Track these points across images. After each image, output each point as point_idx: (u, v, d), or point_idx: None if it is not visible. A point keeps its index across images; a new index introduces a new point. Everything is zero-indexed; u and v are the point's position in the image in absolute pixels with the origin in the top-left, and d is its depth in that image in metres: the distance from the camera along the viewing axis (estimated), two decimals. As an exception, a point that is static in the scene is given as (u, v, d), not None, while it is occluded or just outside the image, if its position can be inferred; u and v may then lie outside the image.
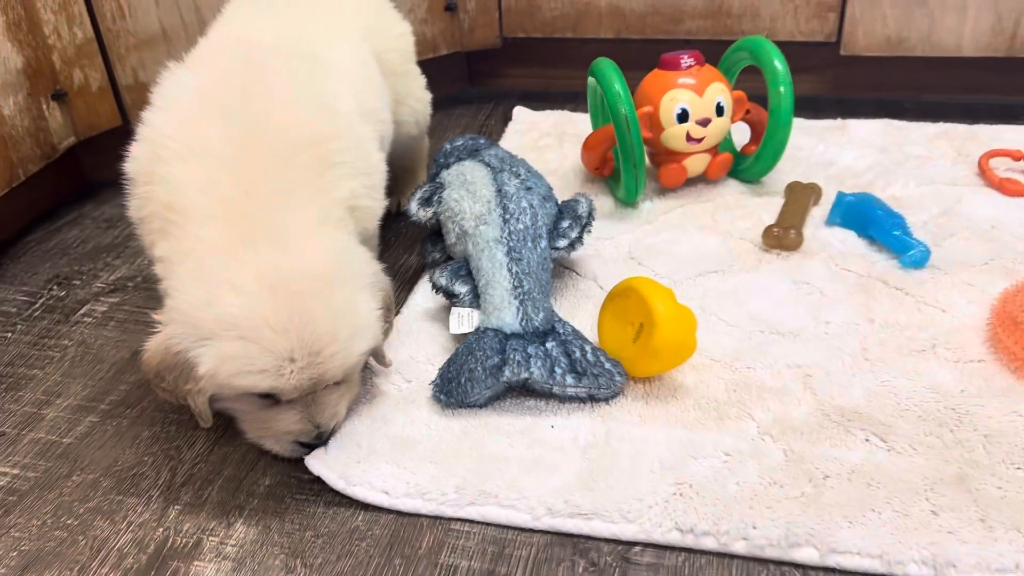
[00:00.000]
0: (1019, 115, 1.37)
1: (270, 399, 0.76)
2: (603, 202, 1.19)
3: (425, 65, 1.31)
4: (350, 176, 0.85)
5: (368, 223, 0.90)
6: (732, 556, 0.71)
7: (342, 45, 0.96)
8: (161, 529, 0.77)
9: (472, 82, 1.63)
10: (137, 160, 0.83)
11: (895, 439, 0.78)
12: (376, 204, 0.91)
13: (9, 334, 1.04)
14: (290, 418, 0.78)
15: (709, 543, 0.71)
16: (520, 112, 1.48)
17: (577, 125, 1.41)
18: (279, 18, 0.96)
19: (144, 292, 1.10)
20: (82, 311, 1.07)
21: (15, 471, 0.84)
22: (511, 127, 1.44)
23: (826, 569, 0.69)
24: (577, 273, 1.05)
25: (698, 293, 1.00)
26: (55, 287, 1.12)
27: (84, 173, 1.36)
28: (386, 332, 0.85)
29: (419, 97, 1.16)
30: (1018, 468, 0.75)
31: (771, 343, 0.91)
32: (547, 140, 1.38)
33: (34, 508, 0.80)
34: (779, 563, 0.70)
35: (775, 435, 0.80)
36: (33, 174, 1.18)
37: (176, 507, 0.79)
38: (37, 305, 1.09)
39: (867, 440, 0.79)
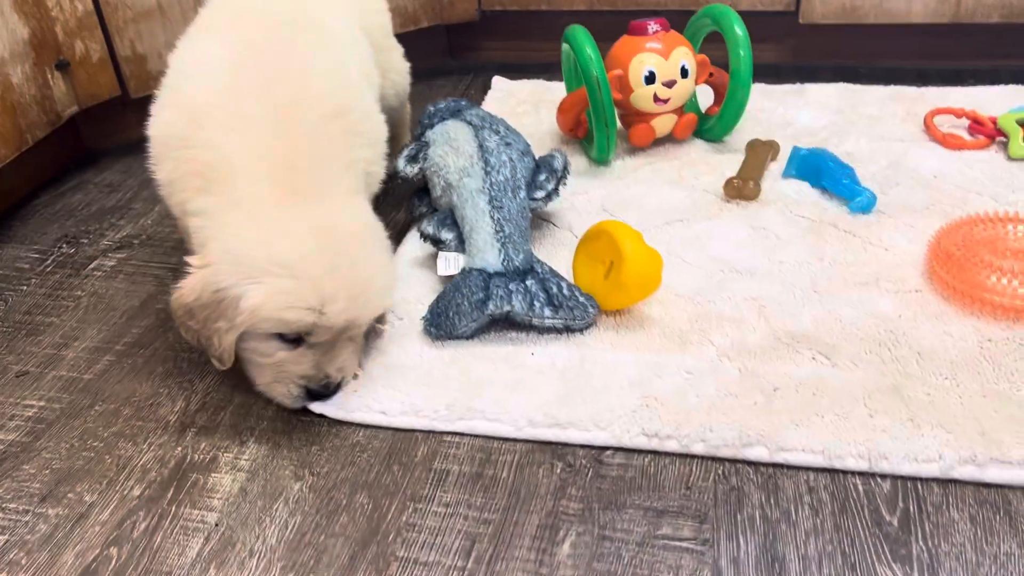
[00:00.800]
0: (966, 78, 1.46)
1: (294, 343, 0.82)
2: (577, 161, 1.28)
3: (407, 37, 1.39)
4: (367, 145, 0.94)
5: (375, 187, 0.99)
6: (692, 456, 0.80)
7: (339, 18, 1.04)
8: (180, 448, 0.85)
9: (452, 54, 1.70)
10: (172, 125, 0.88)
11: (839, 357, 0.88)
12: (382, 170, 1.00)
13: (24, 287, 1.11)
14: (307, 362, 0.83)
15: (672, 445, 0.80)
16: (498, 81, 1.56)
17: (553, 93, 1.50)
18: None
19: (149, 248, 1.17)
20: (92, 266, 1.14)
21: (41, 403, 0.92)
22: (490, 95, 1.52)
23: (775, 465, 0.78)
24: (554, 224, 1.14)
25: (664, 239, 1.09)
26: (64, 245, 1.19)
27: (84, 141, 1.43)
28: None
29: (399, 70, 1.24)
30: (945, 378, 0.84)
31: (730, 280, 1.00)
32: (524, 107, 1.46)
33: (62, 434, 0.87)
34: (733, 461, 0.79)
35: (731, 356, 0.89)
36: (39, 140, 1.25)
37: (192, 430, 0.87)
38: (49, 261, 1.16)
39: (813, 359, 0.88)
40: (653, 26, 1.23)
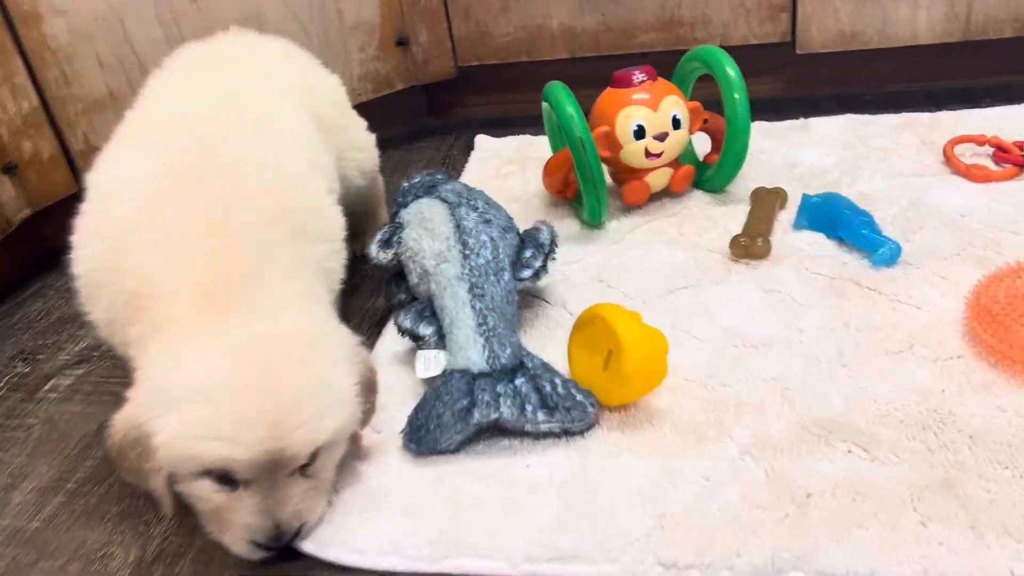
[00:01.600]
0: (980, 98, 1.36)
1: (228, 484, 0.72)
2: (569, 225, 1.18)
3: (383, 102, 1.30)
4: (318, 242, 0.84)
5: (335, 285, 0.88)
6: (719, 587, 0.69)
7: (282, 108, 0.94)
8: (132, 611, 0.74)
9: (433, 114, 1.62)
10: (97, 258, 0.79)
11: (877, 447, 0.76)
12: (340, 266, 0.90)
13: (-27, 417, 1.02)
14: (248, 509, 0.71)
15: (694, 576, 0.69)
16: (482, 140, 1.47)
17: (540, 149, 1.40)
18: (214, 87, 0.94)
19: (109, 361, 1.08)
20: (47, 387, 1.05)
21: (-19, 562, 0.82)
22: (473, 156, 1.43)
23: (816, 592, 0.67)
24: (546, 301, 1.03)
25: (668, 310, 0.98)
26: (19, 364, 1.10)
27: (44, 241, 1.34)
28: (367, 415, 0.81)
29: (361, 146, 1.13)
30: (1005, 467, 0.73)
31: (745, 357, 0.90)
32: (510, 167, 1.37)
33: (1, 601, 0.77)
34: (767, 590, 0.68)
35: (755, 454, 0.78)
36: (-10, 249, 1.16)
37: (147, 586, 0.77)
38: (2, 384, 1.07)
39: (849, 451, 0.77)
40: (639, 76, 1.13)
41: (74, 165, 1.25)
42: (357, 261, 1.14)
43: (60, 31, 1.18)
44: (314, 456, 0.73)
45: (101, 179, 0.84)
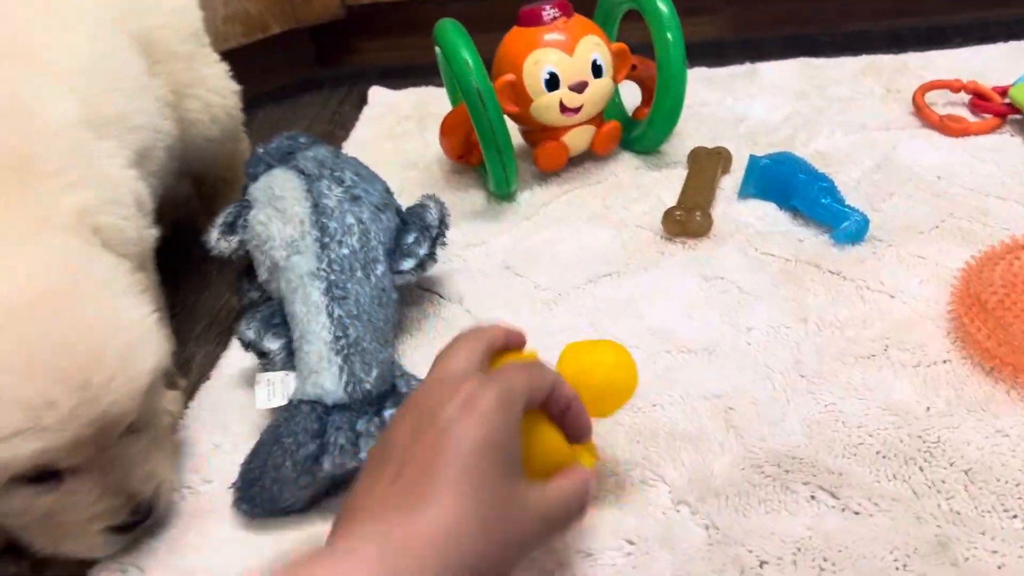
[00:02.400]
0: (950, 37, 1.18)
1: (49, 481, 0.55)
2: (474, 198, 0.97)
3: (261, 49, 1.07)
4: (73, 187, 0.62)
5: (122, 248, 0.66)
6: None
7: (70, 35, 0.72)
8: None
9: (321, 62, 1.38)
10: None
11: (849, 492, 0.58)
12: (124, 222, 0.67)
13: None
14: (88, 497, 0.56)
15: None
16: (376, 93, 1.25)
17: (443, 103, 1.18)
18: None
19: None
20: None
21: None
22: (366, 112, 1.21)
23: None
24: (439, 295, 0.83)
25: (587, 307, 0.79)
26: None
27: None
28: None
29: (214, 87, 0.90)
30: (1014, 516, 0.56)
31: (680, 366, 0.71)
32: (407, 125, 1.15)
33: None
34: None
35: (692, 503, 0.60)
36: None
37: None
38: None
39: (813, 496, 0.59)
40: (550, 11, 0.92)
41: None
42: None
43: None
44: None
45: None
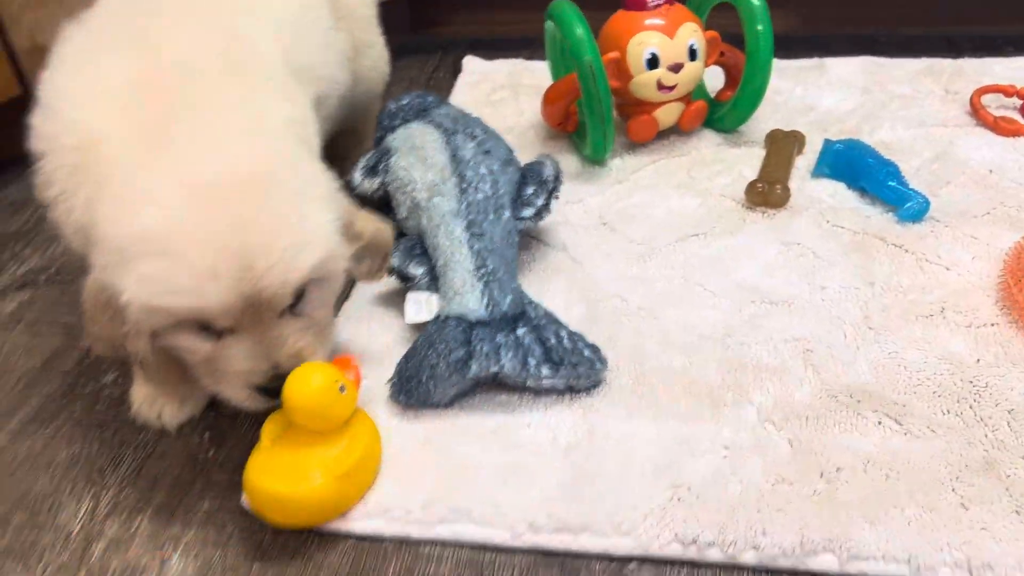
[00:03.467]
0: (1002, 47, 1.28)
1: (212, 332, 0.66)
2: (568, 161, 1.09)
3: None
4: (283, 101, 0.75)
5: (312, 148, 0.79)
6: (741, 568, 0.62)
7: None
8: (83, 571, 0.66)
9: (415, 30, 1.49)
10: (38, 129, 0.72)
11: (911, 420, 0.70)
12: (312, 135, 0.80)
13: (-100, 343, 0.91)
14: (239, 355, 0.66)
15: (715, 555, 0.63)
16: (470, 62, 1.36)
17: (534, 75, 1.29)
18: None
19: (58, 287, 0.97)
20: (-13, 312, 0.94)
21: (-91, 510, 0.72)
22: (461, 80, 1.32)
23: (848, 578, 0.61)
24: (544, 243, 0.95)
25: (679, 261, 0.90)
26: (-47, 283, 0.99)
27: (-17, 151, 1.21)
28: (371, 246, 0.75)
29: (380, 49, 1.05)
30: (1049, 447, 0.67)
31: (764, 315, 0.82)
32: (502, 93, 1.26)
33: (-68, 554, 0.68)
34: (794, 573, 0.62)
35: (777, 422, 0.71)
36: (-79, 155, 1.04)
37: (100, 543, 0.68)
38: (-68, 305, 0.96)
39: (880, 423, 0.71)
40: (654, -2, 1.03)
41: (18, 65, 1.12)
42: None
43: (3, -91, 1.04)
44: (301, 295, 0.67)
45: (55, 52, 0.75)
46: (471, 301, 0.76)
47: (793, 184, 0.99)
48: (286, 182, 0.67)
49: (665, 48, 1.02)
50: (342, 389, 0.67)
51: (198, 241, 0.61)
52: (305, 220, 0.66)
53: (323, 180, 0.72)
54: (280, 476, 0.65)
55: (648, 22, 1.03)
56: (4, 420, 0.80)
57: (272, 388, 0.67)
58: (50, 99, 0.72)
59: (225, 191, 0.63)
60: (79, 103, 0.70)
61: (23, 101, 1.12)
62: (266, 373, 0.67)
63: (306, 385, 0.65)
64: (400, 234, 0.90)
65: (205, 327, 0.65)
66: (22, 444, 0.78)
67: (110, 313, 0.65)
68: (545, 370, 0.73)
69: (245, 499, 0.68)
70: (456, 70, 1.36)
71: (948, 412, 0.71)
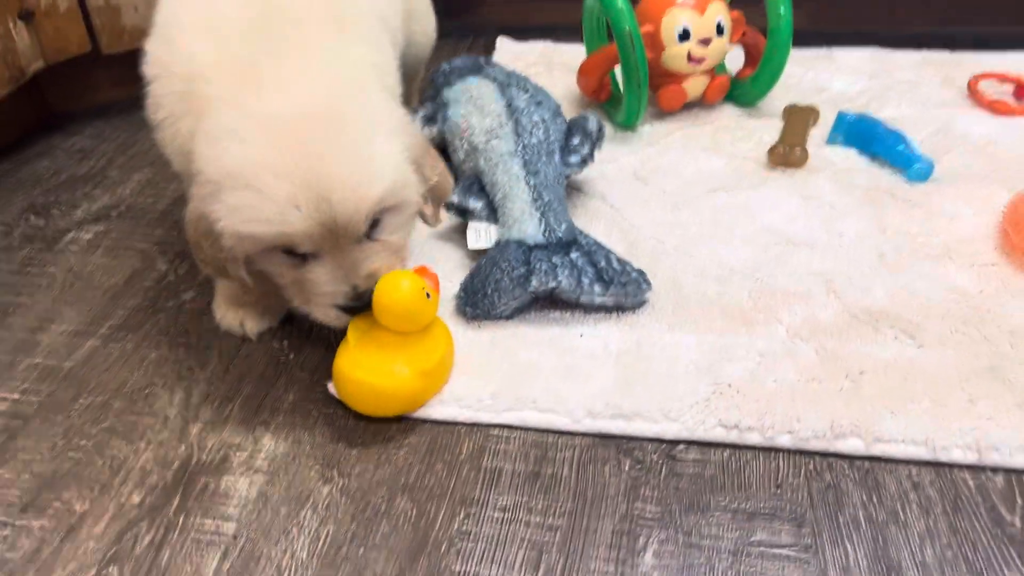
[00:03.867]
0: (995, 45, 1.39)
1: (297, 256, 0.72)
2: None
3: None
4: (369, 45, 0.83)
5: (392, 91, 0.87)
6: (778, 449, 0.71)
7: None
8: (183, 447, 0.73)
9: (449, 15, 1.58)
10: (152, 55, 0.79)
11: (924, 336, 0.79)
12: (395, 81, 0.88)
13: (-12, 263, 0.98)
14: (322, 277, 0.73)
15: (754, 438, 0.71)
16: (503, 43, 1.45)
17: (563, 55, 1.39)
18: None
19: (129, 220, 1.05)
20: (66, 239, 1.01)
21: (15, 396, 0.79)
22: (496, 57, 1.41)
23: (872, 458, 0.69)
24: (584, 192, 1.03)
25: (709, 208, 0.99)
26: (32, 216, 1.06)
27: (49, 102, 1.29)
28: (438, 190, 0.81)
29: (429, 16, 1.15)
30: (1044, 359, 0.76)
31: (789, 254, 0.91)
32: (536, 69, 1.35)
33: (42, 431, 0.75)
34: (825, 454, 0.70)
35: (805, 336, 0.80)
36: (0, 99, 1.11)
37: (196, 425, 0.75)
38: (15, 235, 1.03)
39: (896, 338, 0.79)
40: (687, -22, 1.13)
41: (90, 23, 1.19)
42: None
43: None
44: (376, 222, 0.74)
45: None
46: (530, 227, 0.85)
47: (810, 149, 1.08)
48: (358, 118, 0.73)
49: (696, 23, 1.11)
50: (427, 295, 0.74)
51: (278, 174, 0.68)
52: (374, 153, 0.72)
53: (397, 116, 0.78)
54: (371, 370, 0.73)
55: (681, 0, 1.12)
56: (94, 327, 0.87)
57: (353, 307, 0.74)
58: (166, 28, 0.79)
59: (302, 128, 0.70)
60: (191, 35, 0.77)
61: (94, 56, 1.21)
62: (347, 294, 0.73)
63: (397, 290, 0.72)
64: (454, 177, 0.99)
65: (291, 252, 0.72)
66: (114, 346, 0.85)
67: (210, 240, 0.72)
68: (597, 287, 0.82)
69: (333, 389, 0.76)
70: (489, 50, 1.45)
71: (955, 331, 0.80)
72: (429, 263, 0.91)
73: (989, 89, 1.22)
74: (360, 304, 0.74)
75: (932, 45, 1.39)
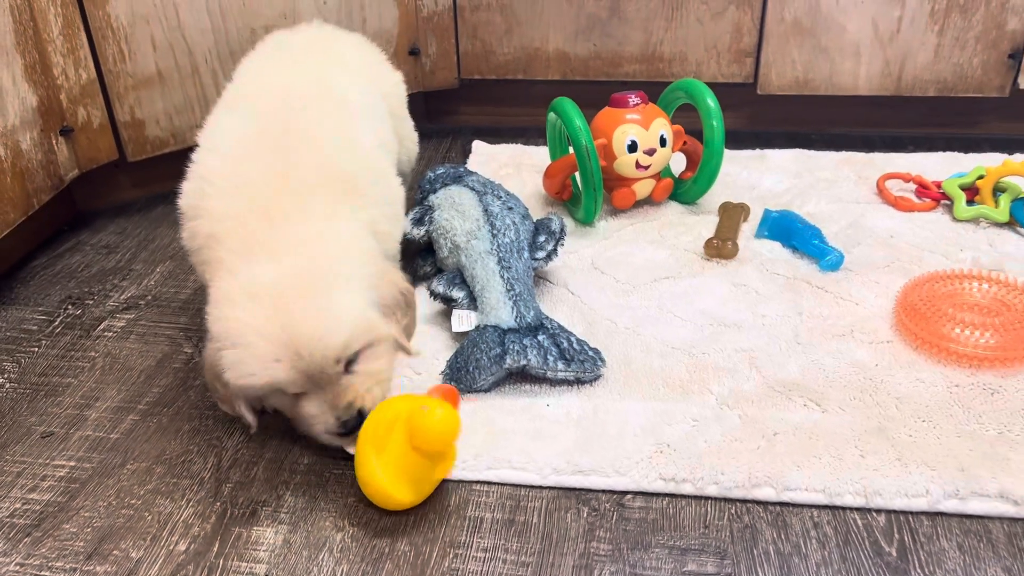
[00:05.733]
0: (906, 145, 1.61)
1: (291, 395, 0.87)
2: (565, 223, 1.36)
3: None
4: (373, 205, 0.99)
5: (389, 245, 1.04)
6: (707, 497, 0.87)
7: (358, 88, 1.11)
8: (218, 503, 0.88)
9: (430, 119, 1.78)
10: (187, 196, 0.96)
11: (827, 403, 0.97)
12: (395, 229, 1.06)
13: (35, 348, 1.13)
14: (313, 410, 0.87)
15: (688, 488, 0.87)
16: (479, 145, 1.65)
17: (532, 157, 1.58)
18: (302, 66, 1.10)
19: (156, 309, 1.20)
20: (101, 327, 1.17)
21: (71, 463, 0.94)
22: (472, 158, 1.60)
23: (782, 503, 0.86)
24: (550, 282, 1.21)
25: (655, 295, 1.17)
26: (70, 306, 1.22)
27: (76, 203, 1.45)
28: (407, 328, 0.96)
29: (412, 138, 1.34)
30: (923, 420, 0.94)
31: (720, 333, 1.09)
32: (507, 170, 1.55)
33: (97, 492, 0.90)
34: (744, 501, 0.87)
35: (731, 404, 0.97)
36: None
37: (228, 485, 0.90)
38: (56, 323, 1.18)
39: (805, 405, 0.97)
40: (634, 99, 1.33)
41: (118, 135, 1.37)
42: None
43: (122, 12, 1.31)
44: (352, 360, 0.87)
45: (205, 135, 1.00)
46: (504, 314, 1.02)
47: (740, 242, 1.28)
48: (330, 280, 0.86)
49: (642, 136, 1.31)
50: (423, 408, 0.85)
51: (261, 335, 0.83)
52: (337, 309, 0.85)
53: (372, 272, 0.91)
54: (403, 487, 0.84)
55: (629, 116, 1.32)
56: (134, 403, 1.03)
57: (341, 432, 0.88)
58: (201, 180, 0.95)
59: (281, 292, 0.84)
60: (218, 193, 0.92)
61: (115, 163, 1.38)
62: (332, 424, 0.87)
63: (447, 434, 0.83)
64: (438, 270, 1.16)
65: (284, 392, 0.87)
66: (151, 420, 1.00)
67: (222, 383, 0.87)
68: (561, 364, 0.99)
69: (366, 493, 0.86)
70: (465, 151, 1.65)
71: (853, 399, 0.97)
72: (419, 343, 1.08)
73: (895, 187, 1.42)
74: (346, 431, 0.87)
75: (853, 145, 1.60)
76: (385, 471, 0.83)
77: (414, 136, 1.35)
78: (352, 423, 0.87)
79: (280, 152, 0.95)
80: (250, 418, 0.90)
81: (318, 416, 0.88)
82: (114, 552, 0.83)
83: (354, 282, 0.89)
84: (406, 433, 0.83)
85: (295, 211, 0.91)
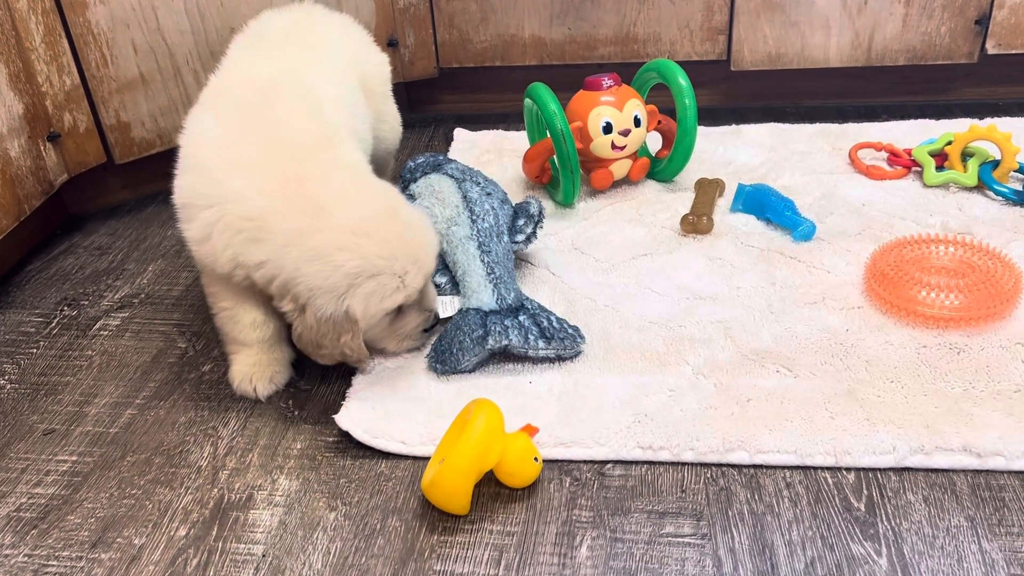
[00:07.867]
0: (879, 114, 1.64)
1: (397, 311, 0.99)
2: (544, 204, 1.39)
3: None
4: (351, 151, 1.05)
5: None
6: (683, 463, 0.91)
7: (331, 78, 1.13)
8: (216, 490, 0.92)
9: (411, 108, 1.81)
10: (190, 188, 0.98)
11: (799, 368, 1.00)
12: None
13: (34, 350, 1.16)
14: (415, 317, 1.03)
15: (664, 455, 0.91)
16: (460, 133, 1.67)
17: (512, 142, 1.61)
18: (277, 60, 1.13)
19: (150, 307, 1.24)
20: (97, 326, 1.20)
21: (74, 458, 0.97)
22: (454, 146, 1.63)
23: (755, 465, 0.90)
24: (532, 264, 1.24)
25: (633, 272, 1.20)
26: (66, 308, 1.25)
27: (67, 206, 1.48)
28: None
29: (395, 116, 1.37)
30: (891, 381, 0.97)
31: (696, 306, 1.13)
32: (488, 156, 1.58)
33: (99, 484, 0.94)
34: (719, 465, 0.90)
35: (706, 373, 1.01)
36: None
37: (224, 472, 0.94)
38: (53, 324, 1.21)
39: (777, 371, 1.00)
40: (607, 81, 1.36)
41: (105, 138, 1.40)
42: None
43: (102, 17, 1.33)
44: None
45: (191, 130, 1.02)
46: (485, 297, 1.05)
47: (716, 217, 1.31)
48: (400, 204, 1.01)
49: (616, 118, 1.34)
50: (536, 460, 0.89)
51: (392, 259, 0.94)
52: (423, 222, 1.01)
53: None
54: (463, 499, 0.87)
55: (603, 99, 1.35)
56: (131, 398, 1.06)
57: (431, 327, 1.05)
58: (202, 166, 0.98)
59: (379, 222, 0.95)
60: (232, 172, 0.96)
61: (104, 166, 1.41)
62: (427, 320, 1.04)
63: (526, 473, 0.88)
64: (422, 258, 1.20)
65: (388, 313, 0.98)
66: (149, 413, 1.04)
67: (336, 331, 0.94)
68: (541, 343, 1.02)
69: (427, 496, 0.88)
70: (448, 139, 1.68)
71: (824, 363, 1.01)
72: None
73: (867, 156, 1.45)
74: (435, 324, 1.06)
75: (826, 117, 1.63)
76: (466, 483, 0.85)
77: (398, 117, 1.38)
78: (436, 317, 1.06)
79: (269, 125, 1.00)
80: (366, 352, 0.99)
81: (415, 319, 1.03)
82: (117, 540, 0.87)
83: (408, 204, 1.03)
84: (497, 456, 0.87)
85: (321, 161, 0.98)
